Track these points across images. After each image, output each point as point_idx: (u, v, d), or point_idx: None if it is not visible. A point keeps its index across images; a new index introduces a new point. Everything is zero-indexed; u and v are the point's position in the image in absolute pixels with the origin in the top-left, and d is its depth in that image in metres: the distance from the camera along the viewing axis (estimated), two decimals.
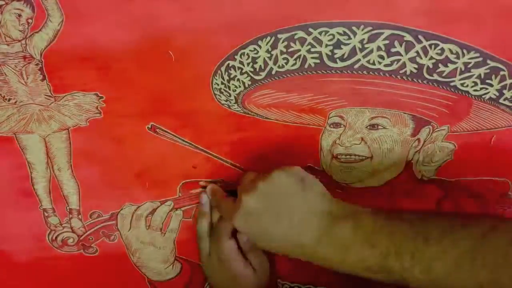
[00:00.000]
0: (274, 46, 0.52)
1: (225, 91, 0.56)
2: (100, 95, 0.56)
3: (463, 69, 0.52)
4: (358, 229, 0.49)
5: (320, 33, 0.51)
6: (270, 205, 0.52)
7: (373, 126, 0.58)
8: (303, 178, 0.53)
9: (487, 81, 0.53)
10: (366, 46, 0.51)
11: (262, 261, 0.60)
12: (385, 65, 0.52)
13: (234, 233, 0.58)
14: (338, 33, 0.51)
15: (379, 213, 0.51)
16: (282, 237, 0.51)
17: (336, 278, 0.65)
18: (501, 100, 0.54)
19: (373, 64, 0.52)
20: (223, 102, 0.57)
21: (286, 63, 0.53)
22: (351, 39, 0.51)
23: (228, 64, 0.53)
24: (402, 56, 0.51)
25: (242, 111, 0.58)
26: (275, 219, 0.51)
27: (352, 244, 0.49)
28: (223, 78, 0.55)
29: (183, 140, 0.60)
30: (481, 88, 0.53)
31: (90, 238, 0.66)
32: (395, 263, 0.47)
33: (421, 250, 0.46)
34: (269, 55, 0.52)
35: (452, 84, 0.53)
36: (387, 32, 0.50)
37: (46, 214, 0.64)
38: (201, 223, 0.62)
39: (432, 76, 0.53)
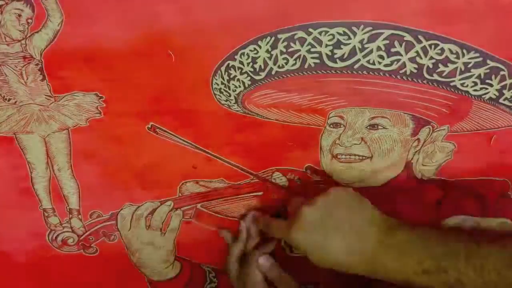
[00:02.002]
0: (274, 46, 0.52)
1: (225, 91, 0.56)
2: (100, 95, 0.56)
3: (463, 69, 0.52)
4: (413, 233, 0.51)
5: (320, 33, 0.51)
6: (329, 217, 0.53)
7: (373, 126, 0.58)
8: (357, 194, 0.56)
9: (487, 81, 0.53)
10: (366, 46, 0.51)
11: None
12: (385, 65, 0.52)
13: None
14: (338, 33, 0.51)
15: (426, 224, 0.54)
16: (340, 249, 0.52)
17: (336, 279, 0.65)
18: (501, 100, 0.54)
19: (373, 64, 0.52)
20: (223, 102, 0.57)
21: (286, 63, 0.53)
22: (351, 39, 0.51)
23: (228, 64, 0.53)
24: (402, 56, 0.51)
25: (242, 111, 0.58)
26: (334, 231, 0.53)
27: (409, 247, 0.50)
28: (223, 78, 0.55)
29: (183, 140, 0.60)
30: (481, 88, 0.53)
31: (90, 238, 0.66)
32: (450, 262, 0.48)
33: (474, 251, 0.48)
34: (269, 55, 0.52)
35: (452, 84, 0.53)
36: (387, 32, 0.50)
37: (46, 214, 0.64)
38: (236, 248, 0.65)
39: (432, 76, 0.53)
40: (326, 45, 0.51)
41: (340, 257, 0.52)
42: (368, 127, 0.58)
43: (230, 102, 0.57)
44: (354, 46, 0.51)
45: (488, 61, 0.51)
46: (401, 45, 0.51)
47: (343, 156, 0.60)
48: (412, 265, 0.50)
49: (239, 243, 0.65)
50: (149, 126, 0.58)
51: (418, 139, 0.59)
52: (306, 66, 0.53)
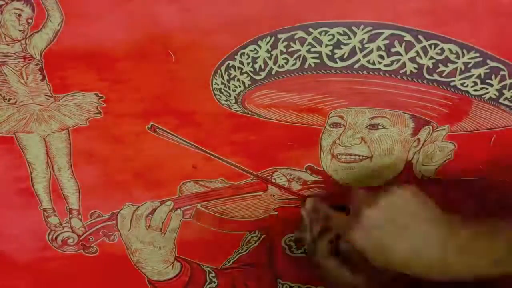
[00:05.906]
0: (274, 46, 0.52)
1: (225, 91, 0.56)
2: (100, 95, 0.56)
3: (463, 69, 0.52)
4: (477, 227, 0.48)
5: (320, 33, 0.51)
6: (392, 218, 0.51)
7: (373, 126, 0.58)
8: (421, 194, 0.53)
9: (487, 81, 0.53)
10: (366, 46, 0.51)
11: None
12: (385, 65, 0.52)
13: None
14: (338, 33, 0.51)
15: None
16: (406, 251, 0.50)
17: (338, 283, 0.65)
18: (501, 100, 0.54)
19: (373, 64, 0.52)
20: (223, 102, 0.57)
21: (286, 63, 0.53)
22: (351, 39, 0.51)
23: (228, 64, 0.53)
24: (402, 56, 0.51)
25: (242, 111, 0.58)
26: (398, 232, 0.50)
27: (475, 243, 0.48)
28: (223, 78, 0.55)
29: (183, 140, 0.60)
30: (481, 88, 0.53)
31: (90, 238, 0.66)
32: None
33: None
34: (269, 55, 0.52)
35: (452, 84, 0.53)
36: (387, 32, 0.50)
37: (46, 214, 0.64)
38: (303, 237, 0.62)
39: (432, 76, 0.53)
40: (326, 45, 0.51)
41: (405, 261, 0.50)
42: (368, 127, 0.58)
43: (230, 102, 0.57)
44: (354, 46, 0.51)
45: (488, 61, 0.51)
46: (401, 45, 0.51)
47: (343, 156, 0.60)
48: (482, 260, 0.47)
49: (305, 231, 0.61)
50: (149, 126, 0.58)
51: (418, 139, 0.59)
52: (306, 66, 0.53)
